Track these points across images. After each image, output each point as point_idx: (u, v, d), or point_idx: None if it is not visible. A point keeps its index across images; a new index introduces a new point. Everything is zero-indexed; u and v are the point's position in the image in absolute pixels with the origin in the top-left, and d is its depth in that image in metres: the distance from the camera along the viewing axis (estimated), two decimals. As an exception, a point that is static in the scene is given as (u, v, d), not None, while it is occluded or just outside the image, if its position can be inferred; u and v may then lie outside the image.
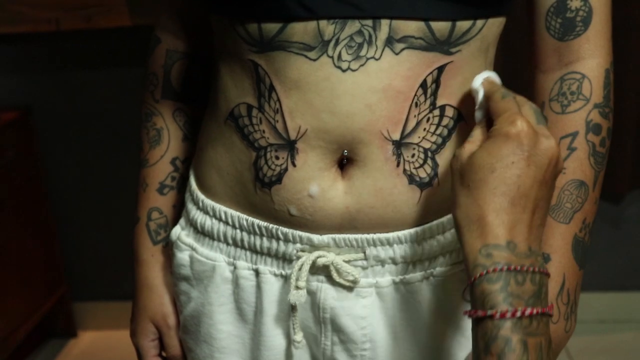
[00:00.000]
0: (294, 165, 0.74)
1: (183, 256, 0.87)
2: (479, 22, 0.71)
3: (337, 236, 0.75)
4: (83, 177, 2.35)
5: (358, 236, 0.75)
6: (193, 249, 0.86)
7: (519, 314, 0.57)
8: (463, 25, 0.70)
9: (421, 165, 0.73)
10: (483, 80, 0.71)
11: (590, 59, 0.78)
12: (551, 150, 0.62)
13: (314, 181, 0.74)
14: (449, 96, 0.73)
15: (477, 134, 0.67)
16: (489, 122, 0.67)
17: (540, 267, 0.60)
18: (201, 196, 0.84)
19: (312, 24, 0.69)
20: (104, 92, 2.23)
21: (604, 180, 0.81)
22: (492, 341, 0.57)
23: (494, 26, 0.74)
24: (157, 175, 0.93)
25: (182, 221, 0.89)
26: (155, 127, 0.92)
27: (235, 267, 0.83)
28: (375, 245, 0.76)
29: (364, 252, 0.76)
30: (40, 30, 2.11)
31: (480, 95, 0.70)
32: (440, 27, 0.70)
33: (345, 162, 0.74)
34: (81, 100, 2.26)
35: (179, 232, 0.88)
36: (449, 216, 0.77)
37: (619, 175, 2.10)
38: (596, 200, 0.80)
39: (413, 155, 0.73)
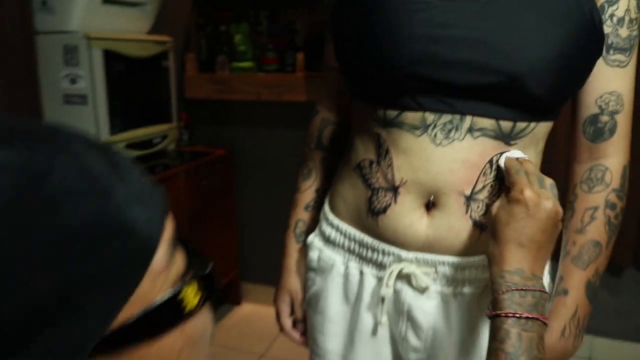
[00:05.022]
0: (395, 202, 0.74)
1: (313, 255, 0.88)
2: (532, 124, 0.71)
3: (418, 255, 0.75)
4: (261, 198, 2.38)
5: (433, 256, 0.75)
6: (320, 250, 0.86)
7: (517, 315, 0.58)
8: (521, 125, 0.70)
9: (483, 215, 0.72)
10: (506, 157, 0.70)
11: (613, 157, 0.76)
12: (549, 208, 0.62)
13: (407, 216, 0.74)
14: None
15: (502, 198, 0.68)
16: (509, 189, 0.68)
17: (540, 287, 0.60)
18: (330, 216, 0.85)
19: (419, 114, 0.70)
20: (285, 145, 2.24)
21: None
22: (498, 331, 0.58)
23: (543, 127, 0.73)
24: (304, 199, 0.94)
25: (316, 231, 0.89)
26: (307, 167, 0.94)
27: (347, 267, 0.83)
28: (444, 264, 0.75)
29: (435, 268, 0.75)
30: (247, 99, 2.18)
31: (503, 170, 0.70)
32: (505, 124, 0.69)
33: (430, 206, 0.73)
34: (267, 149, 2.30)
35: (313, 238, 0.89)
36: None
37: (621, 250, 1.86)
38: (607, 257, 0.76)
39: (478, 207, 0.72)
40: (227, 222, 2.36)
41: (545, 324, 0.60)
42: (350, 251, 0.82)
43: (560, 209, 0.65)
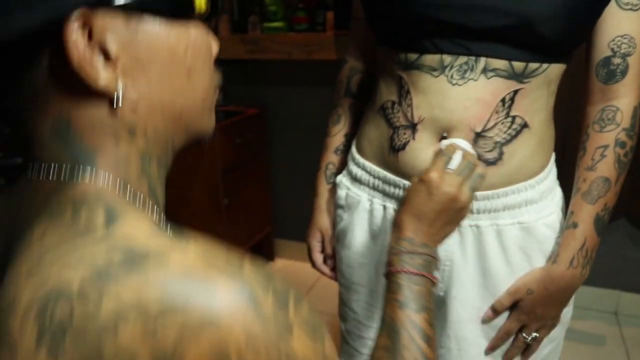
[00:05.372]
0: (414, 139, 0.77)
1: (342, 193, 0.92)
2: (545, 65, 0.73)
3: None
4: (293, 156, 2.41)
5: None
6: (348, 188, 0.91)
7: (407, 271, 0.64)
8: (533, 65, 0.72)
9: (490, 151, 0.75)
10: (447, 143, 0.74)
11: (624, 97, 0.77)
12: (447, 193, 0.66)
13: (424, 151, 0.77)
14: (518, 110, 0.75)
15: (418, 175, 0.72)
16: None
17: (430, 254, 0.66)
18: (357, 156, 0.88)
19: (437, 56, 0.73)
20: (314, 103, 2.27)
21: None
22: (391, 284, 0.64)
23: (555, 69, 0.75)
24: (334, 143, 0.99)
25: (344, 171, 0.94)
26: (337, 113, 0.98)
27: (372, 203, 0.87)
28: None
29: None
30: (278, 58, 2.20)
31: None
32: (518, 65, 0.72)
33: None
34: (298, 108, 2.32)
35: (341, 178, 0.93)
36: (513, 187, 0.77)
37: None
38: (616, 193, 0.78)
39: (485, 144, 0.75)
40: (260, 180, 2.39)
41: (433, 282, 0.65)
42: (374, 188, 0.86)
43: (464, 199, 0.67)
